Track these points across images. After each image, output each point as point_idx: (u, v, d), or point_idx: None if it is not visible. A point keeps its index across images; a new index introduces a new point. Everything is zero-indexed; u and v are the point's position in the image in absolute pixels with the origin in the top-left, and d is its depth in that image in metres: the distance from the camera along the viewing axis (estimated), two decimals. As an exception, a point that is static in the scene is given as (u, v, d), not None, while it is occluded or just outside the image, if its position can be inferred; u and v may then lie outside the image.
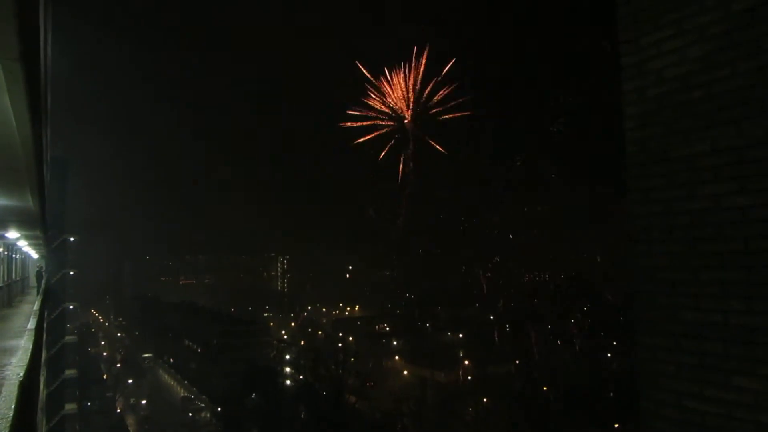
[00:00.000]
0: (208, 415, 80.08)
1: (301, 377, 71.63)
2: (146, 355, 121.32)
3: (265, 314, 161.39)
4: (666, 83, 4.00)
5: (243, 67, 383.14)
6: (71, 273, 46.71)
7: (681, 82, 3.90)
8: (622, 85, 4.33)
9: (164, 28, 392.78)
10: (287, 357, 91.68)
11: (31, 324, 13.78)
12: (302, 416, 59.22)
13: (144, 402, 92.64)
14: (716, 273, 3.64)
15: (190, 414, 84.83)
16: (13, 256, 28.56)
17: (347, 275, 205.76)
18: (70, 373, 42.14)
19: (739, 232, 3.52)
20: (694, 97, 3.81)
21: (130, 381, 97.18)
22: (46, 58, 8.09)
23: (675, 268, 3.90)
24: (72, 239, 45.66)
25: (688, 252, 3.82)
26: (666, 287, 3.96)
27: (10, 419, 5.15)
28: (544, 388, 54.14)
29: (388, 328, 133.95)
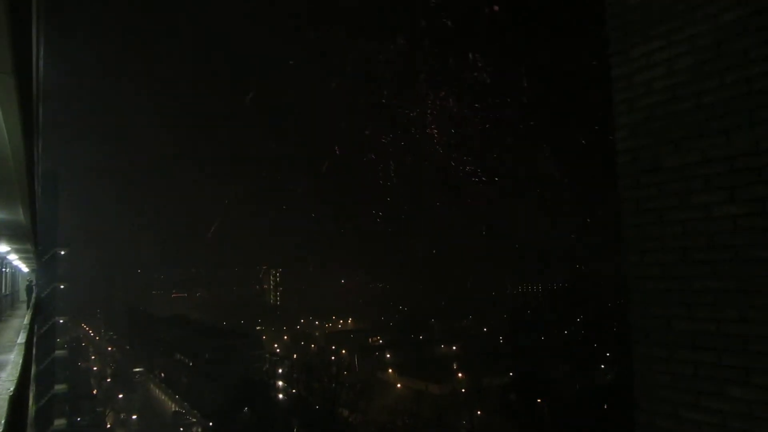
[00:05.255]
0: (200, 430, 79.24)
1: (294, 391, 71.07)
2: (137, 369, 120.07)
3: (258, 327, 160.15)
4: (655, 94, 4.04)
5: (240, 83, 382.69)
6: (61, 287, 46.28)
7: (670, 92, 3.94)
8: (612, 97, 4.36)
9: (160, 39, 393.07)
10: (280, 370, 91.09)
11: (21, 338, 13.69)
12: (295, 430, 58.74)
13: (134, 417, 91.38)
14: (709, 282, 3.65)
15: (181, 429, 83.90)
16: (3, 269, 28.30)
17: (340, 287, 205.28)
18: (60, 388, 41.72)
19: (730, 241, 3.54)
20: (684, 108, 3.84)
21: (120, 396, 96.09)
22: (38, 72, 8.08)
23: (667, 278, 3.91)
24: (62, 252, 45.26)
25: (680, 261, 3.84)
26: (659, 297, 3.96)
27: (-1, 435, 5.09)
28: (539, 400, 53.93)
29: (381, 341, 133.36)
